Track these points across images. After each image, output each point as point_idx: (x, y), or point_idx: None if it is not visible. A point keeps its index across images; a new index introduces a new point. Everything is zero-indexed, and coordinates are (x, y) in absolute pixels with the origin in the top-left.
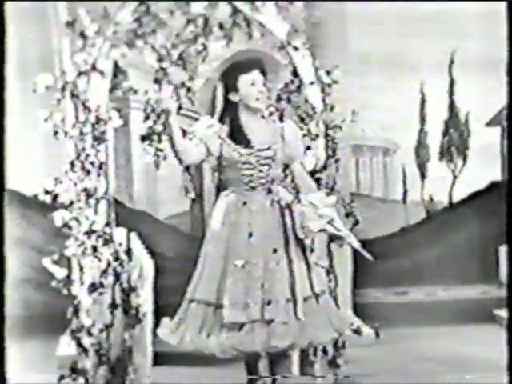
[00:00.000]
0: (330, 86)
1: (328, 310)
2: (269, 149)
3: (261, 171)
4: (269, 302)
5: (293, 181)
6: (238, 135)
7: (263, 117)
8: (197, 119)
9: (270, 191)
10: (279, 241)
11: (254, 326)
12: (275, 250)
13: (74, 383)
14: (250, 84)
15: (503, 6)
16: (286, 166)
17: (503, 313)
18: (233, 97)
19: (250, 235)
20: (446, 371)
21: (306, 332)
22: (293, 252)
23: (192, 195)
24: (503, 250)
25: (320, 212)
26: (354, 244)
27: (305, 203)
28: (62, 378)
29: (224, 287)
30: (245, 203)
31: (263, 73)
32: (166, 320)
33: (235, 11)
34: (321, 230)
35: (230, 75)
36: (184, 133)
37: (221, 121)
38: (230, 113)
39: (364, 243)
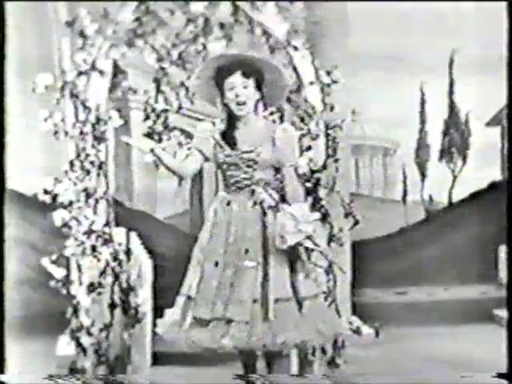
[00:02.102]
0: (329, 85)
1: (317, 314)
2: (252, 151)
3: (246, 173)
4: (233, 301)
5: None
6: (228, 136)
7: (265, 117)
8: (197, 118)
9: (253, 193)
10: (254, 242)
11: (218, 324)
12: (247, 251)
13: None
14: (229, 88)
15: (503, 5)
16: (278, 170)
17: (503, 313)
18: (224, 99)
19: (229, 235)
20: (445, 371)
21: (277, 334)
22: (271, 254)
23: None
24: (503, 249)
25: (299, 227)
26: (329, 257)
27: (287, 214)
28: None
29: (200, 284)
30: (228, 203)
31: (244, 75)
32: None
33: (236, 10)
34: (297, 244)
35: (218, 78)
36: (180, 145)
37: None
38: (224, 113)
39: (364, 243)
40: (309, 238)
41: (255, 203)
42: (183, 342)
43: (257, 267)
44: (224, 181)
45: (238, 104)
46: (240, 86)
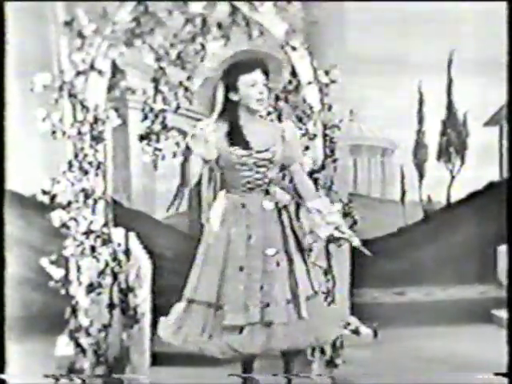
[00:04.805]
0: (327, 85)
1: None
2: (267, 150)
3: (258, 173)
4: (268, 304)
5: (291, 182)
6: (236, 136)
7: (261, 116)
8: (195, 119)
9: (267, 193)
10: (278, 242)
11: (254, 329)
12: (279, 250)
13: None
14: (250, 85)
15: (502, 5)
16: (283, 167)
17: (501, 313)
18: (233, 96)
19: (249, 237)
20: (443, 371)
21: (310, 331)
22: (293, 252)
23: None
24: (501, 250)
25: (327, 219)
26: (355, 243)
27: (312, 210)
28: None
29: (224, 289)
30: (243, 205)
31: (265, 73)
32: (164, 320)
33: (234, 10)
34: (328, 236)
35: (230, 74)
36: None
37: (219, 120)
38: (229, 112)
39: (362, 243)
40: (337, 228)
41: (276, 204)
42: (214, 350)
43: (283, 267)
44: (232, 182)
45: (259, 100)
46: (261, 83)
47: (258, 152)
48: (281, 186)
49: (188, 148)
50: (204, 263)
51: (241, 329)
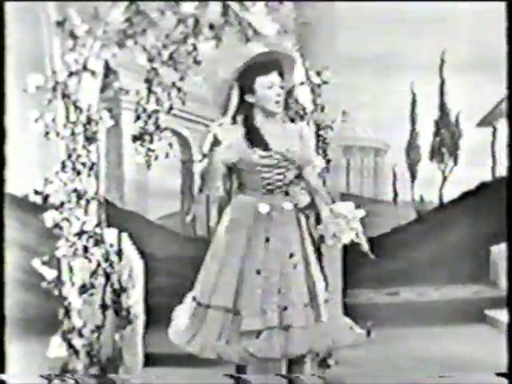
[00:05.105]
0: (319, 86)
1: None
2: (287, 151)
3: (278, 174)
4: (285, 308)
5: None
6: (255, 138)
7: (274, 117)
8: (189, 120)
9: (287, 194)
10: (296, 245)
11: (272, 333)
12: (291, 255)
13: None
14: (267, 86)
15: (495, 5)
16: (299, 168)
17: (494, 313)
18: (249, 98)
19: (267, 240)
20: (437, 371)
21: (328, 335)
22: (310, 255)
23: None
24: (494, 249)
25: (352, 225)
26: (366, 248)
27: (337, 214)
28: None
29: (241, 294)
30: (267, 206)
31: (281, 75)
32: (174, 327)
33: (226, 11)
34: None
35: (246, 76)
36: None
37: (234, 122)
38: (244, 114)
39: (355, 243)
40: (357, 235)
41: (295, 205)
42: (232, 355)
43: (300, 270)
44: (252, 184)
45: (277, 102)
46: (278, 85)
47: (278, 153)
48: (300, 187)
49: (204, 153)
50: (220, 267)
51: (258, 333)
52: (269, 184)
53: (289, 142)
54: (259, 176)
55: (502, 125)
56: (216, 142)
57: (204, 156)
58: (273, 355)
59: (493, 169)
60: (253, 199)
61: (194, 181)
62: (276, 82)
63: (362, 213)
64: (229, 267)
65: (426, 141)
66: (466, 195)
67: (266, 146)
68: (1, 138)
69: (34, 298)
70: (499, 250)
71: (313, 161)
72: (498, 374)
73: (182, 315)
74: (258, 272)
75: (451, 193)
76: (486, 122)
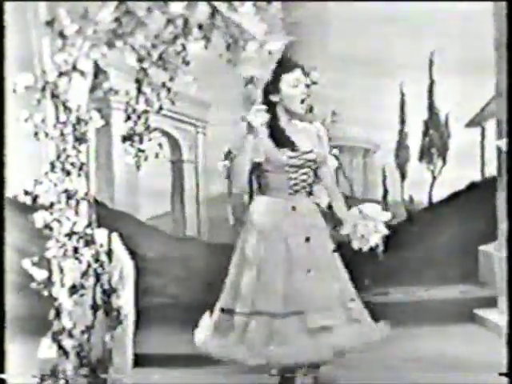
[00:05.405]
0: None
1: None
2: (312, 151)
3: (303, 174)
4: (352, 300)
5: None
6: (281, 137)
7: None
8: (179, 120)
9: (310, 194)
10: (331, 243)
11: (341, 327)
12: (334, 250)
13: None
14: (293, 85)
15: (486, 6)
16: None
17: (483, 312)
18: (273, 97)
19: (307, 239)
20: (427, 370)
21: (363, 333)
22: (337, 256)
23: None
24: (482, 249)
25: (378, 227)
26: (380, 251)
27: (365, 215)
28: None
29: (290, 295)
30: (294, 208)
31: (304, 73)
32: (212, 339)
33: (213, 12)
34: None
35: (273, 74)
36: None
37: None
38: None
39: (345, 244)
40: (381, 238)
41: (317, 205)
42: (283, 358)
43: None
44: (279, 184)
45: (302, 102)
46: (303, 83)
47: (305, 153)
48: (322, 187)
49: (230, 152)
50: (257, 272)
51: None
52: (295, 184)
53: (311, 142)
54: (285, 176)
55: (490, 125)
56: (250, 129)
57: (229, 153)
58: (349, 347)
59: (482, 169)
60: (279, 200)
61: (184, 181)
62: (301, 79)
63: (388, 215)
64: (270, 272)
65: (415, 141)
66: (455, 195)
67: (292, 146)
68: (1, 138)
69: (20, 298)
70: (488, 249)
71: (328, 161)
72: (501, 374)
73: (214, 326)
74: (309, 271)
75: (440, 193)
76: (475, 122)
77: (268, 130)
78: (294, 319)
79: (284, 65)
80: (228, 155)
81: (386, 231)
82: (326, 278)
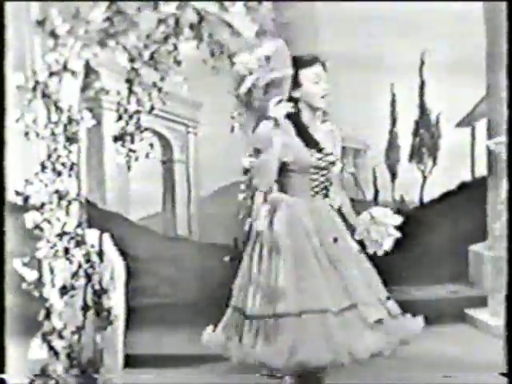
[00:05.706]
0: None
1: None
2: (332, 153)
3: (323, 175)
4: (388, 298)
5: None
6: (307, 137)
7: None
8: (171, 120)
9: (326, 196)
10: (355, 243)
11: (389, 321)
12: (360, 250)
13: None
14: (314, 81)
15: (477, 6)
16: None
17: (474, 312)
18: (294, 93)
19: (335, 240)
20: (419, 370)
21: (399, 329)
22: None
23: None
24: (473, 249)
25: (390, 231)
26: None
27: (378, 220)
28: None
29: (342, 290)
30: (317, 209)
31: (324, 67)
32: (267, 348)
33: (200, 15)
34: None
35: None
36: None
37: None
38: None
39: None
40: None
41: (331, 206)
42: (345, 355)
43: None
44: (301, 185)
45: (323, 98)
46: (324, 79)
47: (328, 154)
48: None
49: (258, 151)
50: (289, 272)
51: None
52: (316, 186)
53: (330, 143)
54: (309, 178)
55: (481, 125)
56: (276, 123)
57: (258, 151)
58: (383, 349)
59: (472, 169)
60: (302, 201)
61: (175, 181)
62: (322, 75)
63: (399, 219)
64: (309, 271)
65: (405, 141)
66: (445, 195)
67: (318, 147)
68: (0, 139)
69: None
70: (478, 249)
71: (339, 162)
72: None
73: (253, 335)
74: (345, 269)
75: (431, 193)
76: (466, 122)
77: (294, 128)
78: (349, 314)
79: (300, 59)
80: (256, 153)
81: (397, 234)
82: (359, 277)
